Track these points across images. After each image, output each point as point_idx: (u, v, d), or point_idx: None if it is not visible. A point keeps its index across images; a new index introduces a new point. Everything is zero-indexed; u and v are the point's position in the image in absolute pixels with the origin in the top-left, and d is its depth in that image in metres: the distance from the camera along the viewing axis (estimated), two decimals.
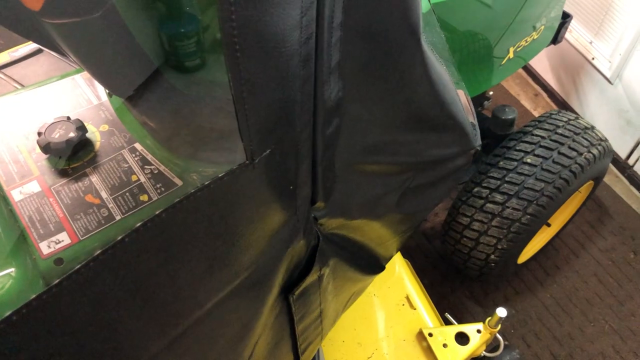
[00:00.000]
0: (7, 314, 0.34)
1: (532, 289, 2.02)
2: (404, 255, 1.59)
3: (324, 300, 0.87)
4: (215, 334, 0.59)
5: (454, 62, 0.92)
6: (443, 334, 1.36)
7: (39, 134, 0.79)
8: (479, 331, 1.37)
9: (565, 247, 2.13)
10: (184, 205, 0.43)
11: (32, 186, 0.76)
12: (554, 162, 1.51)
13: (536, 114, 2.66)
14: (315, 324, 0.91)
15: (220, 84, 0.92)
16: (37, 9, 0.69)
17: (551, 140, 1.55)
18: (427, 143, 0.83)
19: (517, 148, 1.56)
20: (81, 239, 0.71)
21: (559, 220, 1.97)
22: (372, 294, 1.46)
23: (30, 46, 1.22)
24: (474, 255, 1.68)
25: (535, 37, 1.71)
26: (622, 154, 2.32)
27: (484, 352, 1.41)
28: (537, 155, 1.53)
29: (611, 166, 2.37)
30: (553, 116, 1.65)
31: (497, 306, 1.31)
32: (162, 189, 0.77)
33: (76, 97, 0.90)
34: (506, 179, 1.53)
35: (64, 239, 0.71)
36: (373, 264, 1.09)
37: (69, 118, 0.81)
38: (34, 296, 0.34)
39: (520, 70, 2.81)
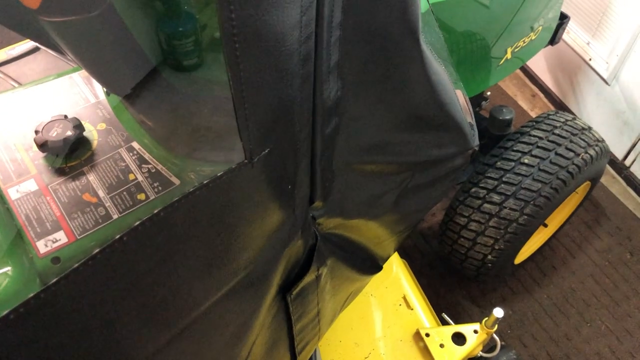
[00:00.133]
0: (5, 312, 0.33)
1: (529, 289, 2.03)
2: (401, 255, 1.59)
3: (321, 300, 0.87)
4: (213, 334, 0.59)
5: (452, 62, 0.92)
6: (440, 334, 1.36)
7: (36, 132, 0.79)
8: (475, 331, 1.37)
9: (562, 248, 2.14)
10: (183, 204, 0.43)
11: (29, 185, 0.76)
12: (551, 162, 1.52)
13: (533, 114, 2.66)
14: (312, 324, 0.91)
15: (218, 83, 0.92)
16: (35, 7, 0.68)
17: (548, 140, 1.56)
18: (425, 143, 0.83)
19: (515, 148, 1.57)
20: (78, 237, 0.71)
21: (556, 220, 1.97)
22: (369, 294, 1.46)
23: (28, 44, 1.22)
24: (471, 256, 1.68)
25: (533, 37, 1.72)
26: (619, 155, 2.33)
27: (480, 353, 1.41)
28: (535, 156, 1.53)
29: (608, 167, 2.38)
30: (550, 117, 1.66)
31: (494, 306, 1.31)
32: (160, 188, 0.77)
33: (73, 95, 0.90)
34: (503, 179, 1.53)
35: (61, 237, 0.71)
36: (370, 264, 1.09)
37: (66, 116, 0.81)
38: (31, 295, 0.34)
39: (518, 71, 2.82)
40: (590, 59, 2.33)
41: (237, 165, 0.47)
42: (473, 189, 1.58)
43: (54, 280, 0.35)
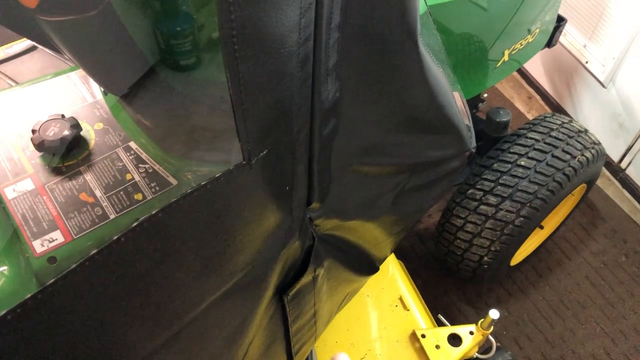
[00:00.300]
0: (2, 313, 0.33)
1: (524, 291, 2.03)
2: (398, 257, 1.59)
3: (318, 301, 0.87)
4: (210, 334, 0.59)
5: (450, 64, 0.93)
6: (436, 335, 1.37)
7: (33, 131, 0.78)
8: (471, 333, 1.37)
9: (557, 250, 2.14)
10: (181, 205, 0.43)
11: (25, 184, 0.76)
12: (547, 164, 1.52)
13: (530, 116, 2.67)
14: (309, 325, 0.91)
15: (216, 83, 0.92)
16: (33, 6, 0.68)
17: (545, 143, 1.56)
18: (422, 145, 0.83)
19: (511, 150, 1.57)
20: (75, 237, 0.71)
21: (551, 222, 1.98)
22: (366, 295, 1.46)
23: (25, 43, 1.22)
24: (467, 257, 1.68)
25: (530, 40, 1.72)
26: (615, 157, 2.34)
27: (476, 354, 1.42)
28: (531, 158, 1.53)
29: (604, 169, 2.39)
30: (547, 119, 1.66)
31: (490, 308, 1.32)
32: (157, 188, 0.77)
33: (71, 94, 0.89)
34: (500, 181, 1.53)
35: (57, 237, 0.71)
36: (367, 265, 1.09)
37: (63, 116, 0.81)
38: (29, 296, 0.34)
39: (514, 73, 2.82)
40: (586, 62, 2.33)
41: (235, 166, 0.47)
42: (469, 191, 1.58)
43: (51, 281, 0.35)
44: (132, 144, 0.82)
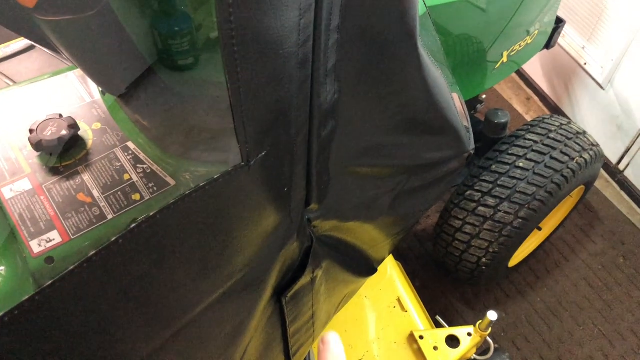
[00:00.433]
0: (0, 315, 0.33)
1: (522, 292, 2.03)
2: (396, 258, 1.59)
3: (316, 302, 0.87)
4: (208, 336, 0.59)
5: (449, 65, 0.93)
6: (434, 337, 1.37)
7: (31, 131, 0.78)
8: (469, 334, 1.37)
9: (555, 251, 2.15)
10: (179, 206, 0.43)
11: (23, 184, 0.75)
12: (546, 166, 1.52)
13: (528, 117, 2.67)
14: (307, 326, 0.91)
15: (214, 83, 0.92)
16: (31, 5, 0.68)
17: (543, 144, 1.56)
18: (421, 146, 0.83)
19: (510, 152, 1.57)
20: (72, 237, 0.71)
21: (550, 224, 1.98)
22: (364, 296, 1.46)
23: (23, 42, 1.21)
24: (466, 258, 1.68)
25: (529, 41, 1.72)
26: (613, 159, 2.34)
27: (474, 355, 1.42)
28: (530, 160, 1.53)
29: (602, 171, 2.39)
30: (546, 120, 1.66)
31: (488, 309, 1.32)
32: (155, 189, 0.77)
33: (69, 94, 0.89)
34: (498, 182, 1.53)
35: (54, 237, 0.70)
36: (365, 266, 1.09)
37: (61, 115, 0.81)
38: (26, 297, 0.34)
39: (513, 74, 2.83)
40: (585, 63, 2.34)
41: (233, 167, 0.47)
42: (468, 192, 1.58)
43: (49, 282, 0.35)
44: (130, 144, 0.82)
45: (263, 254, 0.60)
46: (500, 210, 1.53)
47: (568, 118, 2.05)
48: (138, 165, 0.79)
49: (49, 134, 0.78)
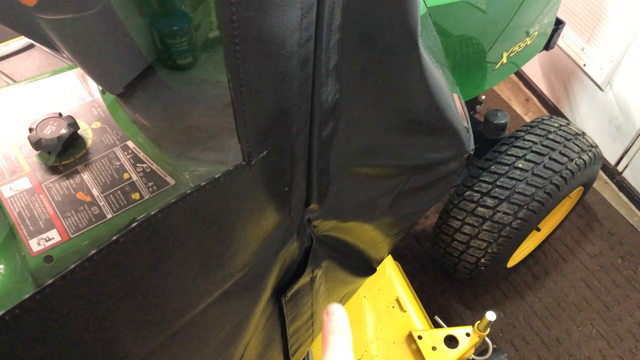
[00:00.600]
0: (0, 314, 0.33)
1: (521, 293, 2.04)
2: (395, 258, 1.59)
3: (315, 302, 0.87)
4: (208, 335, 0.59)
5: (449, 65, 0.93)
6: (432, 337, 1.37)
7: (30, 130, 0.78)
8: (468, 334, 1.37)
9: (554, 252, 2.15)
10: (180, 205, 0.43)
11: (22, 182, 0.75)
12: (545, 167, 1.52)
13: (527, 118, 2.67)
14: (306, 326, 0.91)
15: (213, 83, 0.92)
16: (31, 4, 0.68)
17: (543, 145, 1.56)
18: (421, 146, 0.83)
19: (509, 152, 1.57)
20: (71, 236, 0.71)
21: (548, 225, 1.98)
22: (363, 296, 1.46)
23: (22, 41, 1.21)
24: (464, 259, 1.68)
25: (529, 42, 1.73)
26: (612, 160, 2.35)
27: (472, 356, 1.42)
28: (529, 160, 1.54)
29: (600, 172, 2.39)
30: (545, 121, 1.66)
31: (487, 310, 1.32)
32: (154, 188, 0.77)
33: (68, 93, 0.89)
34: (497, 183, 1.54)
35: (54, 236, 0.70)
36: (365, 266, 1.09)
37: (60, 114, 0.81)
38: (27, 296, 0.34)
39: (512, 75, 2.83)
40: (584, 65, 2.34)
41: (234, 167, 0.47)
42: (467, 193, 1.59)
43: (50, 281, 0.35)
44: (130, 143, 0.82)
45: (263, 253, 0.60)
46: (499, 211, 1.53)
47: (567, 119, 2.05)
48: (137, 165, 0.79)
49: (49, 132, 0.78)
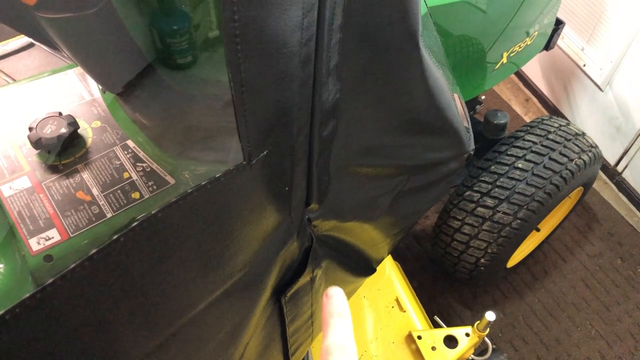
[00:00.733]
0: (1, 313, 0.33)
1: (520, 293, 2.04)
2: (394, 258, 1.59)
3: (315, 302, 0.87)
4: (207, 335, 0.59)
5: (449, 65, 0.93)
6: (432, 337, 1.37)
7: (30, 129, 0.78)
8: (467, 334, 1.37)
9: (553, 252, 2.15)
10: (181, 205, 0.43)
11: (22, 182, 0.75)
12: (544, 167, 1.52)
13: (527, 119, 2.67)
14: (306, 326, 0.91)
15: (213, 82, 0.92)
16: (32, 3, 0.68)
17: (542, 145, 1.56)
18: (421, 146, 0.83)
19: (509, 153, 1.57)
20: (71, 235, 0.71)
21: (548, 225, 1.98)
22: (362, 296, 1.46)
23: (22, 40, 1.21)
24: (464, 259, 1.68)
25: (529, 42, 1.73)
26: (611, 161, 2.35)
27: (472, 356, 1.42)
28: (529, 161, 1.54)
29: (600, 172, 2.39)
30: (545, 122, 1.66)
31: (486, 310, 1.32)
32: (154, 187, 0.77)
33: (68, 92, 0.89)
34: (497, 183, 1.54)
35: (54, 235, 0.70)
36: (365, 266, 1.09)
37: (60, 113, 0.81)
38: (27, 295, 0.34)
39: (512, 75, 2.83)
40: (584, 65, 2.34)
41: (235, 166, 0.47)
42: (467, 193, 1.59)
43: (50, 280, 0.35)
44: (130, 143, 0.82)
45: (263, 253, 0.60)
46: (499, 211, 1.53)
47: (567, 119, 2.05)
48: (137, 164, 0.79)
49: (49, 132, 0.78)
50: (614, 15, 2.12)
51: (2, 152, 0.78)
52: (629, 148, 2.23)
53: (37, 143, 0.77)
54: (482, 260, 1.65)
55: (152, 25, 0.87)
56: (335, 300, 0.45)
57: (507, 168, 1.54)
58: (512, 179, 1.52)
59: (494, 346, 1.46)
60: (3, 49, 1.17)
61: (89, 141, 0.81)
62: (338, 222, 0.80)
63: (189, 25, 0.89)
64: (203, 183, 0.44)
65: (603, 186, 2.39)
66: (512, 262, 1.92)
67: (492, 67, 1.65)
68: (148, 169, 0.79)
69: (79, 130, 0.81)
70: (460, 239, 1.63)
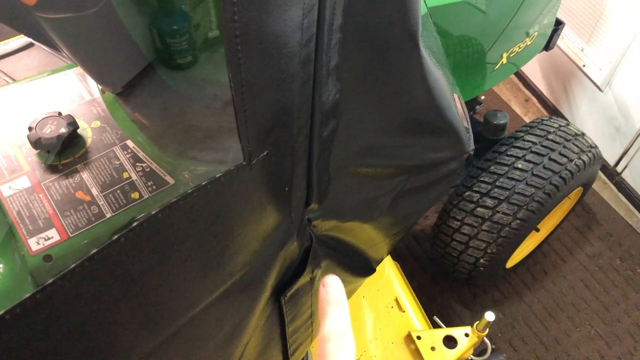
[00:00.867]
0: (1, 313, 0.33)
1: (519, 293, 2.04)
2: (394, 258, 1.59)
3: (315, 302, 0.87)
4: (207, 335, 0.59)
5: (449, 66, 0.93)
6: (431, 337, 1.37)
7: (30, 129, 0.78)
8: (467, 335, 1.37)
9: (553, 253, 2.15)
10: (181, 205, 0.43)
11: (21, 182, 0.75)
12: (544, 167, 1.52)
13: (527, 119, 2.67)
14: (305, 326, 0.91)
15: (213, 82, 0.92)
16: (32, 3, 0.68)
17: (542, 146, 1.56)
18: (421, 147, 0.83)
19: (508, 153, 1.57)
20: (71, 235, 0.71)
21: (547, 225, 1.98)
22: (361, 296, 1.46)
23: (22, 39, 1.21)
24: (463, 259, 1.68)
25: (529, 43, 1.73)
26: (611, 161, 2.35)
27: (471, 356, 1.42)
28: (528, 161, 1.54)
29: (600, 173, 2.39)
30: (544, 122, 1.66)
31: (485, 310, 1.32)
32: (154, 187, 0.77)
33: (68, 92, 0.89)
34: (497, 183, 1.54)
35: (53, 235, 0.70)
36: (364, 266, 1.09)
37: (60, 113, 0.81)
38: (27, 295, 0.34)
39: (512, 76, 2.83)
40: (584, 65, 2.34)
41: (235, 166, 0.47)
42: (466, 193, 1.59)
43: (50, 280, 0.35)
44: (129, 143, 0.82)
45: (263, 253, 0.60)
46: (498, 212, 1.53)
47: (566, 120, 2.05)
48: (137, 164, 0.79)
49: (48, 131, 0.78)
50: (613, 16, 2.12)
51: (2, 152, 0.78)
52: (629, 148, 2.23)
53: (36, 143, 0.77)
54: (482, 260, 1.65)
55: (152, 25, 0.87)
56: (331, 289, 0.45)
57: (506, 168, 1.54)
58: (512, 179, 1.52)
59: (493, 346, 1.46)
60: (3, 48, 1.17)
61: (89, 141, 0.81)
62: (338, 222, 0.80)
63: (189, 25, 0.89)
64: (203, 183, 0.44)
65: (602, 186, 2.39)
66: (511, 263, 1.92)
67: (492, 67, 1.65)
68: (147, 169, 0.79)
69: (78, 130, 0.81)
70: (459, 239, 1.63)
